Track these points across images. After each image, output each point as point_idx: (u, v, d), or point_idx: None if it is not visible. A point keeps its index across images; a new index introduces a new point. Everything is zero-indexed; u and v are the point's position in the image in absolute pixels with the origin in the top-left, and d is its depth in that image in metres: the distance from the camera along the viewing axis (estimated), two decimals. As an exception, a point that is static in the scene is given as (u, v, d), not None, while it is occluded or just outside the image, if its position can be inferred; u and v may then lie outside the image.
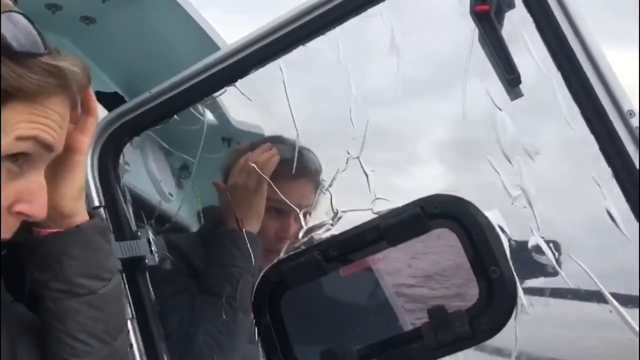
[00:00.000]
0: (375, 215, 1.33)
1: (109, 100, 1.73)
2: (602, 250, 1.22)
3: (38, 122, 0.87)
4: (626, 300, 1.15)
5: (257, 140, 1.83)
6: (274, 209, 1.61)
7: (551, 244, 1.23)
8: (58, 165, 1.02)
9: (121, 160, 1.61)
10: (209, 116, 2.04)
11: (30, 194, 0.89)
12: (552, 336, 1.32)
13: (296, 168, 1.53)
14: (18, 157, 0.87)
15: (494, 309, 1.20)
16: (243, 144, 1.78)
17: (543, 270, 1.21)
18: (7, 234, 0.90)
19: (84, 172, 1.10)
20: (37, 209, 0.90)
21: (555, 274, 1.20)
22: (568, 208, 1.26)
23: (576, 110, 1.19)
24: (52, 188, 0.97)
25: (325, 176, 1.40)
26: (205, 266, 1.68)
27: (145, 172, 2.34)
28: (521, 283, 1.20)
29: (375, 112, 1.37)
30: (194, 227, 2.25)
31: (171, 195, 2.52)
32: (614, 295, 1.13)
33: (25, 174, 0.89)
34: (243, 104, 1.59)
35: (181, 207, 2.05)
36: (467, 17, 1.27)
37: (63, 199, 1.03)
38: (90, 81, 0.98)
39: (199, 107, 1.71)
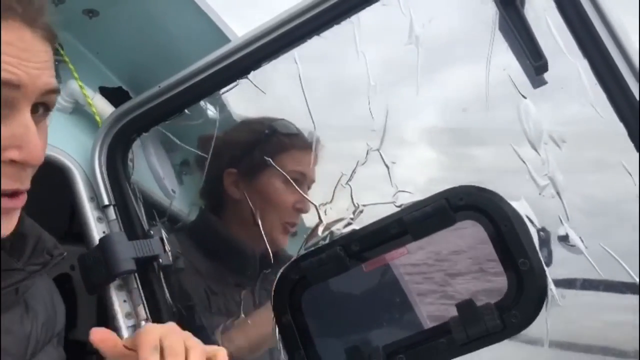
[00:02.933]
0: (398, 209, 1.30)
1: (114, 95, 1.68)
2: (632, 239, 1.19)
3: None
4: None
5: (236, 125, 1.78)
6: (293, 180, 1.57)
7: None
8: None
9: (130, 157, 1.57)
10: (210, 111, 2.00)
11: (15, 139, 0.81)
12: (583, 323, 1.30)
13: (299, 141, 1.56)
14: None
15: (524, 301, 1.18)
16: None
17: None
18: (7, 185, 0.83)
19: None
20: (28, 153, 0.82)
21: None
22: (597, 197, 1.23)
23: (603, 96, 1.17)
24: None
25: (345, 170, 1.36)
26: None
27: (147, 169, 2.30)
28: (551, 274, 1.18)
29: (394, 103, 1.33)
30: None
31: (174, 191, 2.47)
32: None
33: (7, 119, 0.81)
34: (250, 98, 1.55)
35: (190, 204, 2.00)
36: (487, 4, 1.25)
37: None
38: None
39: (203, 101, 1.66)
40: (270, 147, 1.62)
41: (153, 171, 2.34)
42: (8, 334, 0.95)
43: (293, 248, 1.60)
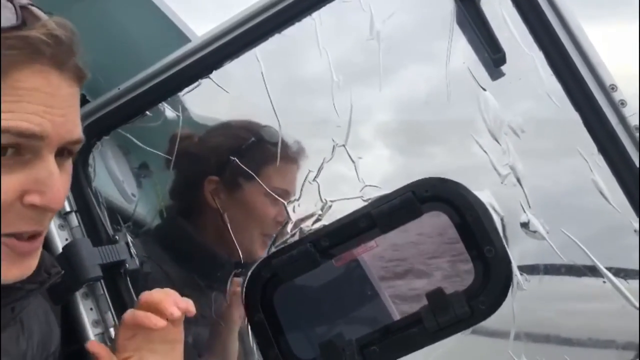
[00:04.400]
0: (365, 203, 1.32)
1: (71, 99, 1.64)
2: (590, 223, 1.24)
3: (8, 109, 0.75)
4: (618, 272, 1.18)
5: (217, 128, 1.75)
6: (277, 195, 1.54)
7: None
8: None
9: (91, 162, 1.53)
10: (168, 112, 1.97)
11: (38, 184, 0.79)
12: (547, 311, 1.34)
13: (286, 153, 1.51)
14: (6, 149, 0.77)
15: (490, 287, 1.21)
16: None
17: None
18: (28, 227, 0.82)
19: None
20: (50, 198, 0.80)
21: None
22: (556, 183, 1.28)
23: (558, 86, 1.21)
24: None
25: (311, 167, 1.36)
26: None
27: (104, 174, 2.25)
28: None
29: (358, 98, 1.35)
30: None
31: (134, 195, 2.43)
32: (608, 268, 1.16)
33: (30, 163, 0.79)
34: (211, 98, 1.54)
35: (152, 207, 1.97)
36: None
37: None
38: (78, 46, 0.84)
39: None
40: (256, 157, 1.57)
41: (112, 175, 2.29)
42: (4, 355, 0.94)
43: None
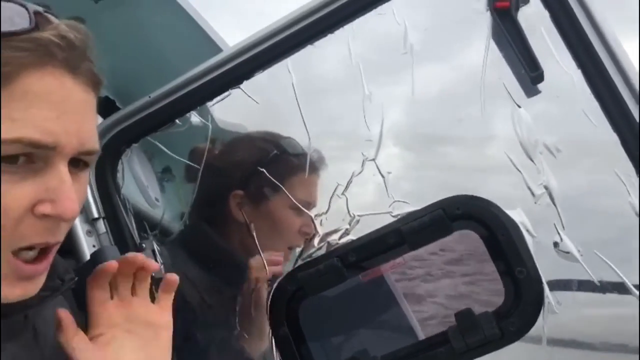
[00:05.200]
0: (394, 219, 1.30)
1: (102, 106, 1.64)
2: (624, 245, 1.21)
3: (19, 117, 0.72)
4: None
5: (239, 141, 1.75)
6: (302, 205, 1.52)
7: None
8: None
9: (119, 169, 1.54)
10: (194, 119, 1.98)
11: (49, 193, 0.77)
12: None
13: (310, 163, 1.49)
14: (17, 157, 0.74)
15: (521, 309, 1.19)
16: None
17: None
18: (40, 239, 0.79)
19: None
20: (61, 207, 0.77)
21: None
22: (591, 204, 1.25)
23: (596, 104, 1.19)
24: None
25: (341, 180, 1.35)
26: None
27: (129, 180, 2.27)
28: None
29: (390, 112, 1.34)
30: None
31: (157, 200, 2.44)
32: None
33: (42, 172, 0.77)
34: (238, 109, 1.53)
35: (176, 213, 1.98)
36: (481, 13, 1.26)
37: None
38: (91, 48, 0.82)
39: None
40: (280, 169, 1.56)
41: (137, 180, 2.31)
42: None
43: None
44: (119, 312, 1.02)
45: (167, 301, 1.06)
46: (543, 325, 1.19)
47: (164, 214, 1.78)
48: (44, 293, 0.90)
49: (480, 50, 1.27)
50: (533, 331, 1.19)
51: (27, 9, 0.77)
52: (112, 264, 1.00)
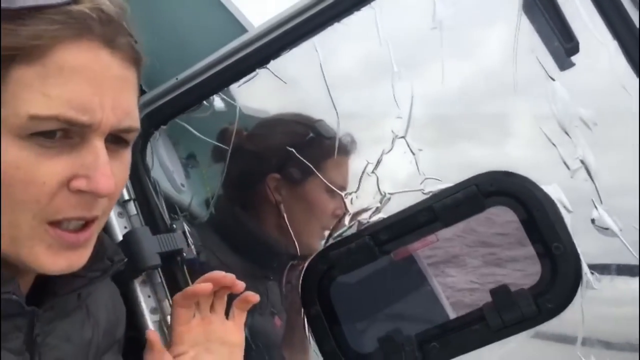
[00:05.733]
0: (426, 197, 1.28)
1: (128, 89, 1.65)
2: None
3: (55, 94, 0.71)
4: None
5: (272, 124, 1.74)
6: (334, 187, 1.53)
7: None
8: None
9: (149, 151, 1.54)
10: (217, 101, 1.97)
11: (84, 168, 0.75)
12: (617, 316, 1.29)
13: (341, 146, 1.48)
14: (54, 133, 0.73)
15: (558, 286, 1.17)
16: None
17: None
18: (75, 213, 0.78)
19: None
20: (96, 184, 0.75)
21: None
22: (628, 178, 1.22)
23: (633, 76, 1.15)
24: None
25: (371, 158, 1.34)
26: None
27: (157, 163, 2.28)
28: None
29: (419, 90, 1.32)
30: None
31: (183, 185, 2.46)
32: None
33: (78, 147, 0.76)
34: (262, 90, 1.52)
35: (201, 197, 1.98)
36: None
37: None
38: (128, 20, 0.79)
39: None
40: (315, 152, 1.55)
41: (163, 165, 2.32)
42: (67, 342, 0.92)
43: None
44: (200, 330, 1.11)
45: (241, 318, 1.13)
46: (581, 302, 1.17)
47: (191, 196, 1.78)
48: (94, 274, 0.90)
49: (512, 23, 1.25)
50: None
51: None
52: (207, 287, 1.07)
